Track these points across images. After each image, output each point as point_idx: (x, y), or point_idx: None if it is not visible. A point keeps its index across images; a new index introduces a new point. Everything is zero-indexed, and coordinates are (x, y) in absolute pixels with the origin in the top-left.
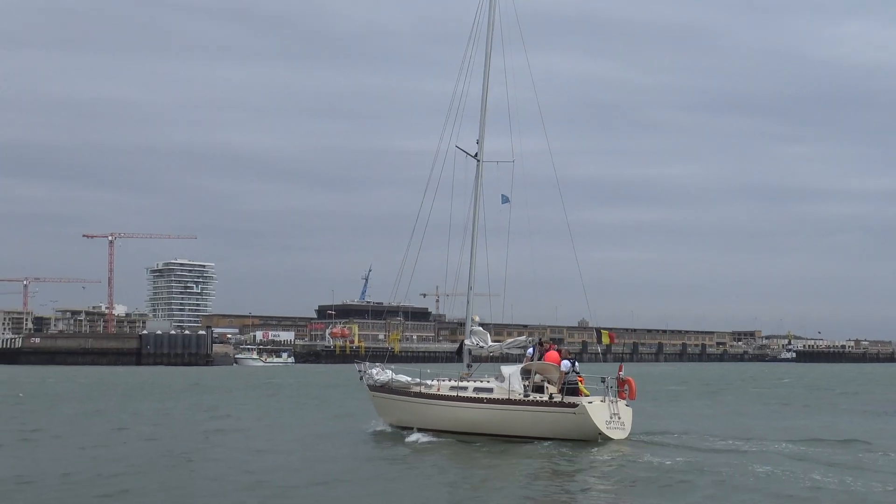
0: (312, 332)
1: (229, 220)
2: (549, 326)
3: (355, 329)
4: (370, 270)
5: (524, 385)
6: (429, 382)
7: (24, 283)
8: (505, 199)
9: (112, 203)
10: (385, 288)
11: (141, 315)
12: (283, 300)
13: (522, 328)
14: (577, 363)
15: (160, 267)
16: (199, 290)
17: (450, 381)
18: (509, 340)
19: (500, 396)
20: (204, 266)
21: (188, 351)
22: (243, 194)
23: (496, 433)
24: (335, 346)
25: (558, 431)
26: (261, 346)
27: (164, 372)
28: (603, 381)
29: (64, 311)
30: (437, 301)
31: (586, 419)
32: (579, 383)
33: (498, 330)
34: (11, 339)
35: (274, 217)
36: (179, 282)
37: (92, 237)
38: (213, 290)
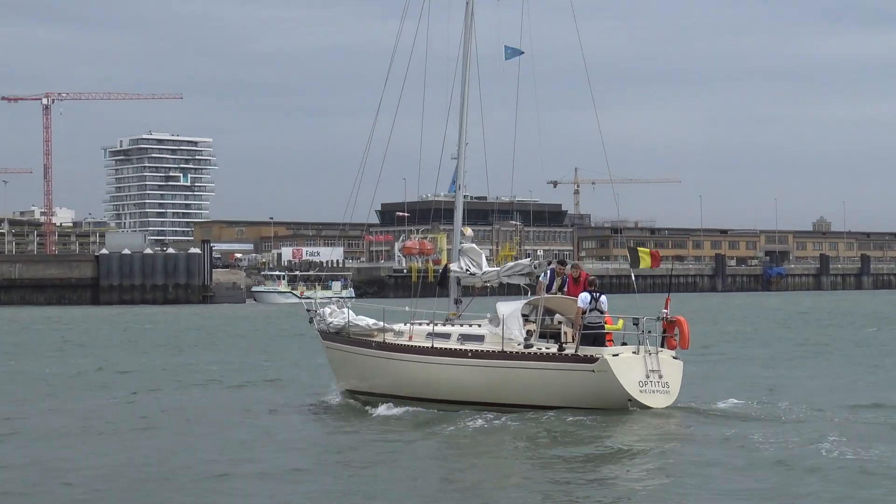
0: (373, 249)
1: (234, 69)
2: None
3: (442, 241)
4: (466, 144)
5: (528, 330)
6: (397, 327)
7: None
8: (513, 52)
9: (48, 46)
10: (491, 178)
11: (98, 225)
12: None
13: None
14: (602, 296)
15: (125, 146)
16: (188, 183)
17: (430, 324)
18: (510, 264)
19: (492, 347)
20: (196, 143)
21: (173, 281)
22: (255, 25)
23: (486, 401)
24: (410, 269)
25: (571, 396)
26: (290, 271)
27: (132, 316)
28: (636, 322)
29: None
30: (577, 192)
31: (609, 379)
32: (606, 325)
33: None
34: None
35: (304, 61)
36: (157, 170)
37: (15, 100)
38: (211, 181)
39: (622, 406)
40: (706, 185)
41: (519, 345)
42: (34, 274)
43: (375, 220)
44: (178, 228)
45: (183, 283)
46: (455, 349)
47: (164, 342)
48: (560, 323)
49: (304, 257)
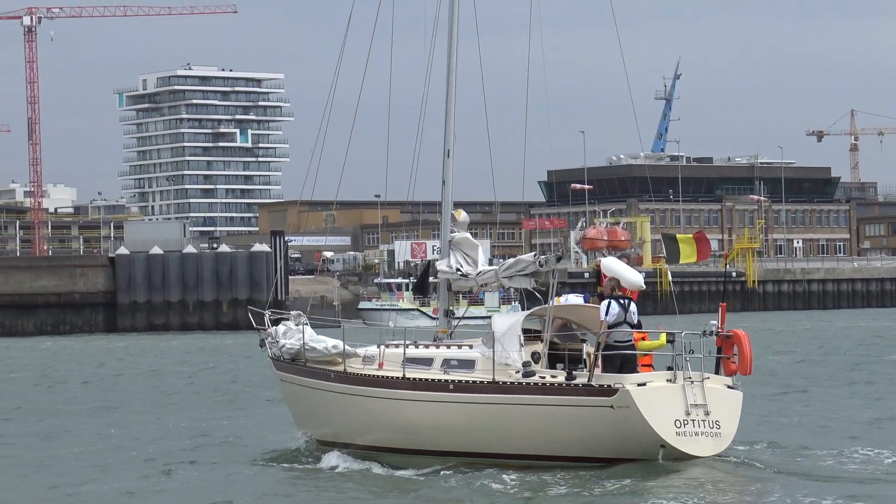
0: (536, 241)
1: None
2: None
3: (644, 227)
4: (678, 76)
5: (534, 352)
6: (365, 351)
7: None
8: None
9: None
10: (711, 130)
11: (111, 210)
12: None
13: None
14: (633, 304)
15: (152, 89)
16: (248, 144)
17: (413, 344)
18: (510, 261)
19: (482, 377)
20: (259, 82)
21: (229, 296)
22: None
23: (476, 451)
24: (595, 272)
25: (585, 443)
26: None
27: (165, 356)
28: (671, 341)
29: None
30: (855, 149)
31: (633, 417)
32: (636, 344)
33: None
34: None
35: None
36: (200, 125)
37: None
38: (284, 141)
39: (652, 455)
40: None
41: (517, 372)
42: (17, 287)
43: (539, 195)
44: (234, 215)
45: (244, 299)
46: (433, 380)
47: (223, 410)
48: (584, 341)
49: (430, 255)
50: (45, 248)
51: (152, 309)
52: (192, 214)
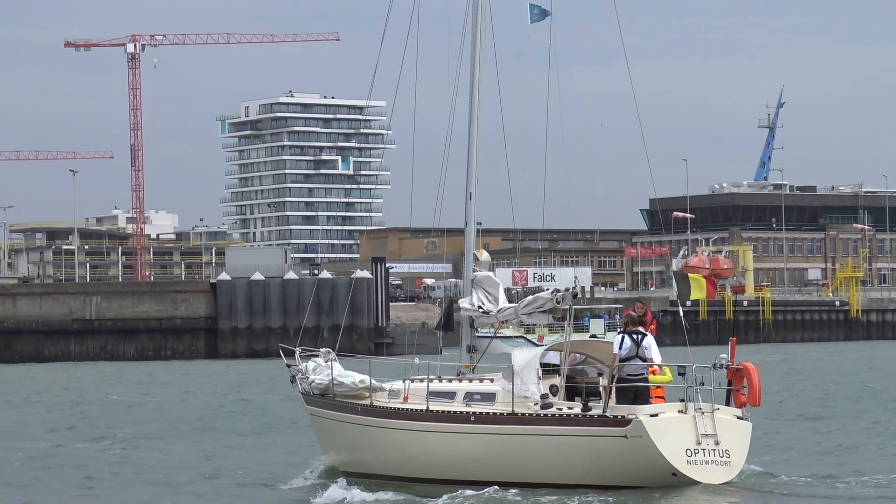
0: (637, 269)
1: None
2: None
3: (746, 256)
4: (781, 105)
5: (553, 385)
6: (392, 386)
7: None
8: (539, 14)
9: None
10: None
11: (213, 237)
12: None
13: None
14: (647, 338)
15: (254, 115)
16: (349, 171)
17: (437, 379)
18: (528, 298)
19: (502, 409)
20: (360, 110)
21: (329, 322)
22: None
23: (496, 479)
24: (696, 301)
25: (600, 471)
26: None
27: (264, 380)
28: (682, 374)
29: (26, 231)
30: None
31: (647, 446)
32: (651, 377)
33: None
34: None
35: None
36: (302, 152)
37: (87, 47)
38: (386, 168)
39: (665, 482)
40: None
41: (536, 404)
42: (119, 312)
43: (641, 223)
44: (335, 241)
45: (346, 326)
46: (454, 412)
47: None
48: (600, 375)
49: (532, 283)
50: (147, 273)
51: (253, 334)
52: (293, 241)
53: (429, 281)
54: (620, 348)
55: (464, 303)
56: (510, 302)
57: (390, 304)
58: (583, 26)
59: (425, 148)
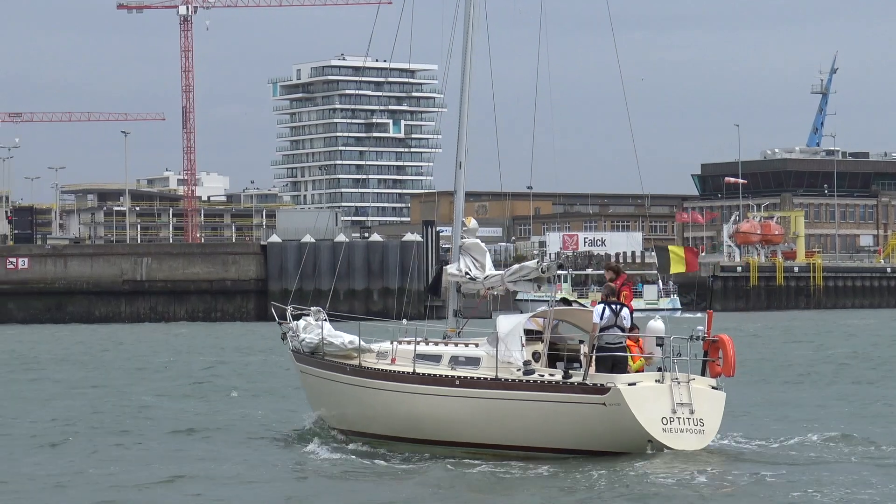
0: (689, 234)
1: None
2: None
3: (797, 222)
4: (834, 70)
5: (535, 352)
6: (379, 347)
7: None
8: None
9: None
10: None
11: (264, 199)
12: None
13: None
14: (625, 309)
15: (305, 78)
16: (401, 134)
17: (424, 342)
18: (515, 267)
19: (485, 374)
20: (413, 73)
21: (380, 285)
22: None
23: (478, 441)
24: (747, 266)
25: (579, 436)
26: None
27: None
28: (660, 343)
29: (78, 192)
30: None
31: (624, 414)
32: (629, 349)
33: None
34: None
35: None
36: (353, 115)
37: (139, 9)
38: (436, 132)
39: (641, 449)
40: None
41: (518, 370)
42: (170, 274)
43: (692, 188)
44: (385, 205)
45: (395, 289)
46: (439, 376)
47: None
48: (582, 342)
49: (582, 247)
50: (198, 235)
51: (303, 297)
52: (343, 204)
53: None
54: (601, 318)
55: (451, 269)
56: (560, 267)
57: (442, 267)
58: None
59: (474, 111)
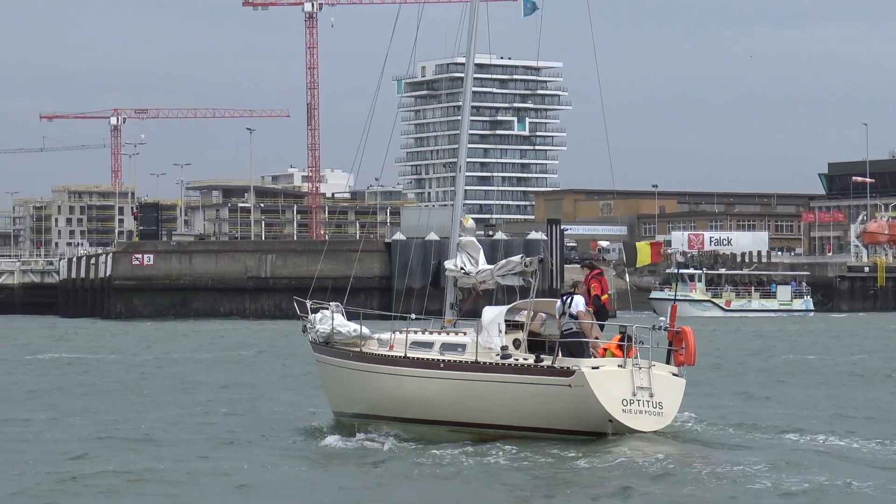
0: (815, 234)
1: None
2: None
3: None
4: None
5: (515, 339)
6: (378, 336)
7: (113, 120)
8: (531, 7)
9: None
10: None
11: (388, 196)
12: (734, 148)
13: None
14: (574, 297)
15: (430, 76)
16: (526, 132)
17: (422, 332)
18: (502, 262)
19: (468, 358)
20: (538, 71)
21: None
22: None
23: (461, 420)
24: (875, 266)
25: (547, 416)
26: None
27: None
28: (623, 333)
29: (203, 189)
30: None
31: (587, 395)
32: (591, 336)
33: None
34: (92, 256)
35: None
36: (478, 112)
37: (265, 6)
38: (562, 130)
39: (602, 428)
40: None
41: (497, 355)
42: (294, 270)
43: (819, 188)
44: (510, 202)
45: (517, 287)
46: (426, 359)
47: None
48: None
49: (708, 247)
50: (322, 232)
51: (427, 294)
52: (467, 201)
53: (603, 243)
54: (557, 309)
55: (448, 264)
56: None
57: (564, 266)
58: None
59: (598, 110)
